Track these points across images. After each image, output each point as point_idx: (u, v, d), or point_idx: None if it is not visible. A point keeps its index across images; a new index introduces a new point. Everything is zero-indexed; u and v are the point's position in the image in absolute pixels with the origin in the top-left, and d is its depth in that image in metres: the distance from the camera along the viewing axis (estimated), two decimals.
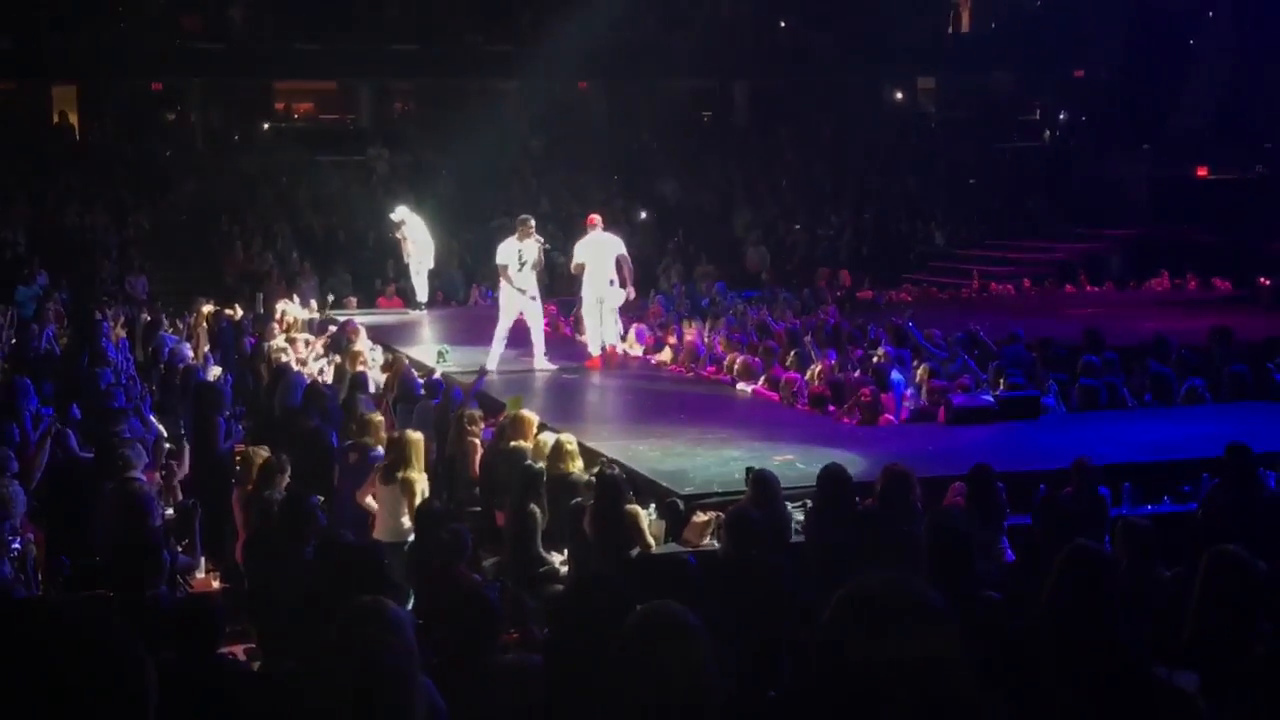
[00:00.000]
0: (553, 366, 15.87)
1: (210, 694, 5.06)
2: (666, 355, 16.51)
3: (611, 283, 16.07)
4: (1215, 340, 14.96)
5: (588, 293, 16.18)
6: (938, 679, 2.41)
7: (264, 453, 10.10)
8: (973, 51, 37.30)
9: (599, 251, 16.07)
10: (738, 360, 14.78)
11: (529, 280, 15.90)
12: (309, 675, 3.67)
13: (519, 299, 15.86)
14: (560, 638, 3.66)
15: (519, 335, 16.14)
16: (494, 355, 15.78)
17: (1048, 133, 37.10)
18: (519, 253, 15.83)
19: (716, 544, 8.85)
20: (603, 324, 16.26)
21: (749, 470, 9.45)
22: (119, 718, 1.97)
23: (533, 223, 16.32)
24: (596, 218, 16.53)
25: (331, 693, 3.14)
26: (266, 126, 33.93)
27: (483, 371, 14.67)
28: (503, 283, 16.06)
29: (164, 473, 10.65)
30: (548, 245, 16.08)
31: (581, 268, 16.11)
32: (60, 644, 1.95)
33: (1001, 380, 13.23)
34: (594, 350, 16.20)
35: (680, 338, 16.88)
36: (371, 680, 3.08)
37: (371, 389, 13.78)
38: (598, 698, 3.33)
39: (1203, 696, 4.58)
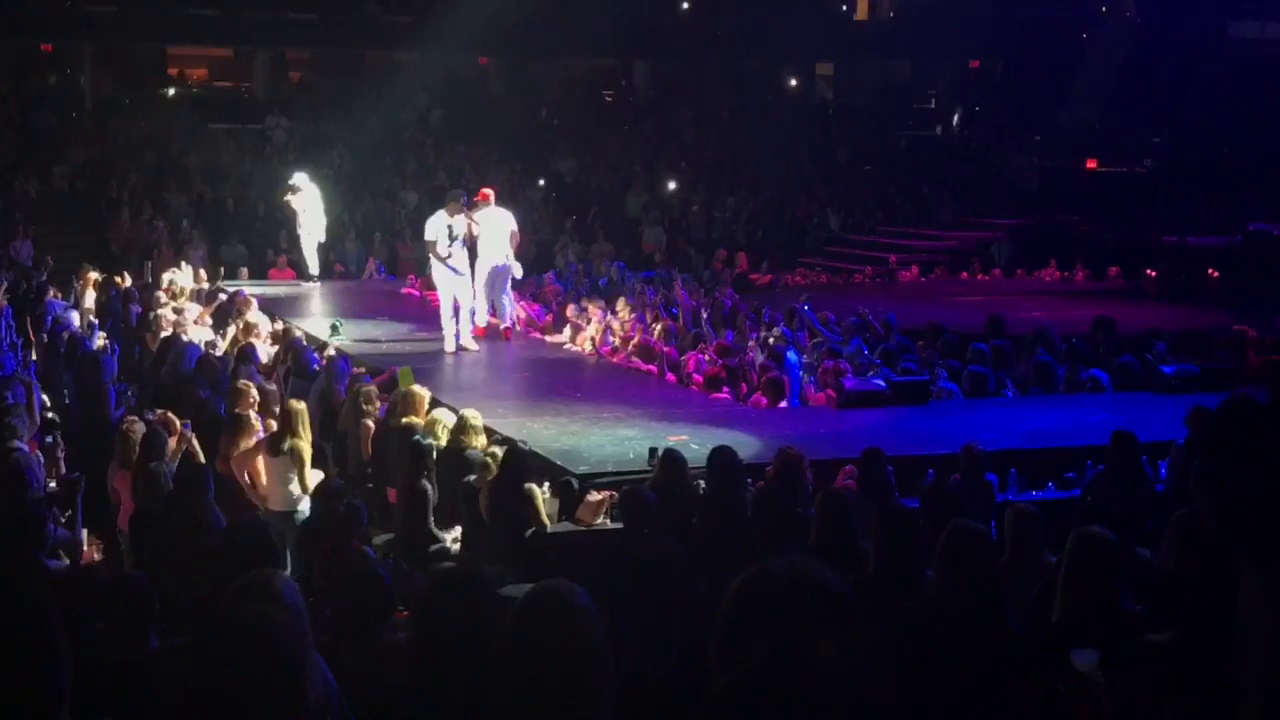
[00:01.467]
0: (475, 347, 15.54)
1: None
2: (566, 334, 16.43)
3: (506, 257, 15.86)
4: (1098, 331, 15.25)
5: (480, 268, 15.78)
6: (840, 664, 2.43)
7: (140, 426, 9.92)
8: (870, 39, 37.65)
9: (492, 227, 15.71)
10: (635, 340, 14.80)
11: (460, 258, 15.49)
12: (197, 651, 3.61)
13: (450, 275, 15.44)
14: (426, 629, 3.61)
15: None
16: (448, 336, 15.45)
17: (939, 127, 37.54)
18: (449, 228, 15.39)
19: (610, 523, 8.89)
20: (496, 300, 16.06)
21: (653, 450, 9.47)
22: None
23: (465, 197, 15.93)
24: (489, 192, 16.20)
25: (221, 669, 3.09)
26: (164, 92, 33.24)
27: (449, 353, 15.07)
28: (434, 261, 15.60)
29: (48, 443, 10.44)
30: (477, 221, 15.66)
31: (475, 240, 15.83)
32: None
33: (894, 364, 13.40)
34: (479, 321, 15.93)
35: (578, 316, 16.82)
36: (262, 656, 3.04)
37: (263, 361, 13.61)
38: (466, 692, 3.32)
39: (1101, 672, 4.65)
